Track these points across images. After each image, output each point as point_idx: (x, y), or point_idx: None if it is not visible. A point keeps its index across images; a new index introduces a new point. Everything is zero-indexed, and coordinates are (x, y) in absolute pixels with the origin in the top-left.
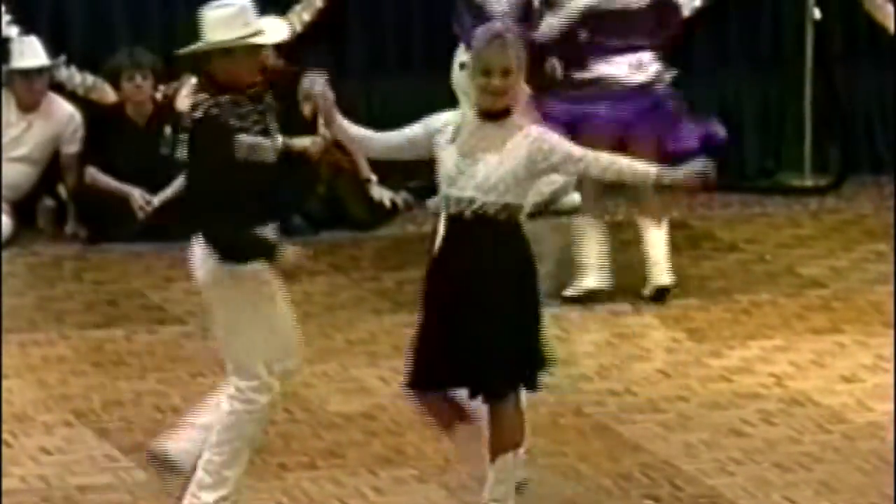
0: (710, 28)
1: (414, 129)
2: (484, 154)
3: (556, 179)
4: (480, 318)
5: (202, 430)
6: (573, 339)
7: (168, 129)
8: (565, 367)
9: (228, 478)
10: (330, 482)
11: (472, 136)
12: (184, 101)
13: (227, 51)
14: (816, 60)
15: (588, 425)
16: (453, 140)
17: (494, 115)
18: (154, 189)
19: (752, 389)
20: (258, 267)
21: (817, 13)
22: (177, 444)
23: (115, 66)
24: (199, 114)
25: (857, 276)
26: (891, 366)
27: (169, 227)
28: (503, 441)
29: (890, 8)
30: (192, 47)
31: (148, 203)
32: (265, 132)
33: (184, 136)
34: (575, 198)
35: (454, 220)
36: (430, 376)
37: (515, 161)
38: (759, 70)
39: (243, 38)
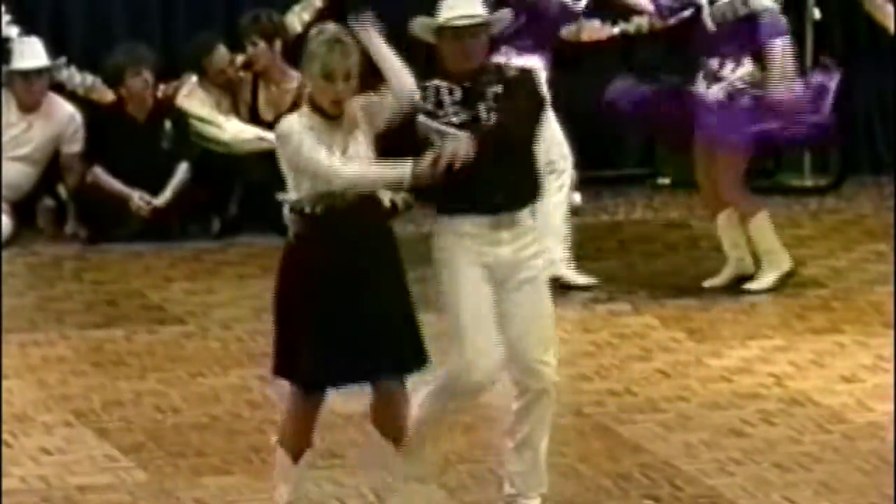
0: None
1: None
2: (354, 143)
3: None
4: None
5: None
6: (573, 339)
7: (168, 124)
8: (565, 367)
9: None
10: (329, 482)
11: (332, 136)
12: (184, 100)
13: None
14: (816, 61)
15: (588, 425)
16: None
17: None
18: (155, 183)
19: (752, 389)
20: None
21: (817, 13)
22: None
23: (118, 64)
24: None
25: (856, 277)
26: (891, 366)
27: (169, 227)
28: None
29: (890, 8)
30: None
31: (148, 203)
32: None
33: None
34: (575, 198)
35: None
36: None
37: (364, 135)
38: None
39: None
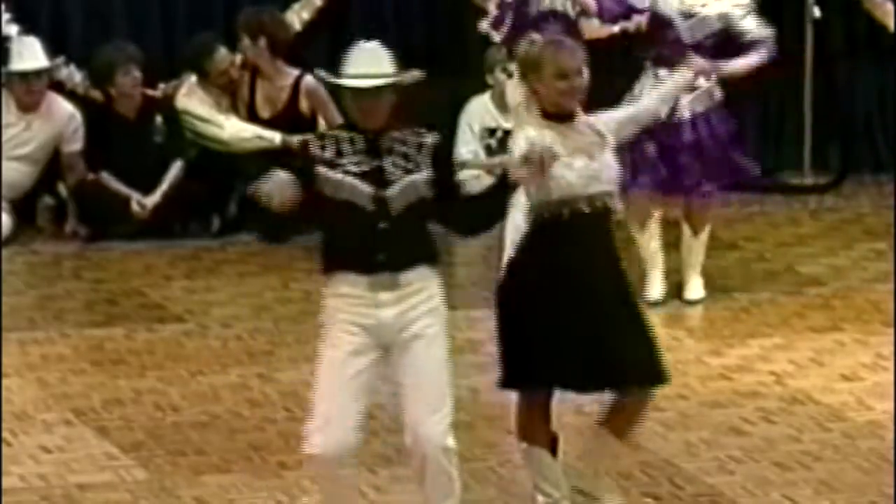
0: None
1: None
2: (599, 150)
3: None
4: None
5: None
6: None
7: (159, 119)
8: None
9: None
10: None
11: (565, 139)
12: (183, 99)
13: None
14: (816, 59)
15: (588, 425)
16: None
17: (567, 116)
18: (147, 181)
19: (752, 388)
20: None
21: (817, 12)
22: None
23: (107, 62)
24: None
25: (856, 275)
26: (890, 364)
27: (169, 226)
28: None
29: (889, 6)
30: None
31: (143, 207)
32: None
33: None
34: None
35: (575, 219)
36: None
37: (612, 148)
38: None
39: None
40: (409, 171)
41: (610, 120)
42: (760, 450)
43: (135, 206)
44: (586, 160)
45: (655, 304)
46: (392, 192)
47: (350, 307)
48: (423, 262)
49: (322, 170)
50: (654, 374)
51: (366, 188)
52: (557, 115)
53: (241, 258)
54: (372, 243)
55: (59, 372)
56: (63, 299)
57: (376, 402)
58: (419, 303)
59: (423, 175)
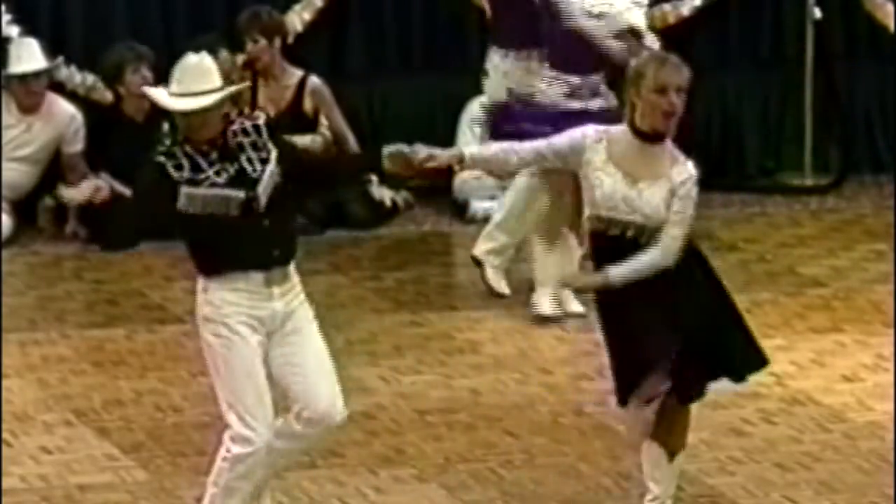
0: (710, 27)
1: (558, 145)
2: (645, 180)
3: None
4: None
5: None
6: (573, 339)
7: (166, 124)
8: (565, 367)
9: None
10: (330, 482)
11: (634, 159)
12: None
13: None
14: (817, 60)
15: (588, 425)
16: (609, 159)
17: (656, 137)
18: None
19: (753, 389)
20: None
21: (818, 13)
22: None
23: (118, 61)
24: None
25: (857, 276)
26: (891, 365)
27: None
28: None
29: (890, 7)
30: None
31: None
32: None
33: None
34: None
35: (612, 240)
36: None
37: (663, 194)
38: (760, 69)
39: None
40: (264, 161)
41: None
42: (761, 451)
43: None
44: (624, 187)
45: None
46: (261, 187)
47: (246, 301)
48: (294, 255)
49: (186, 189)
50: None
51: (236, 193)
52: (645, 135)
53: None
54: (262, 241)
55: (60, 373)
56: (63, 300)
57: (376, 403)
58: (297, 293)
59: (273, 159)
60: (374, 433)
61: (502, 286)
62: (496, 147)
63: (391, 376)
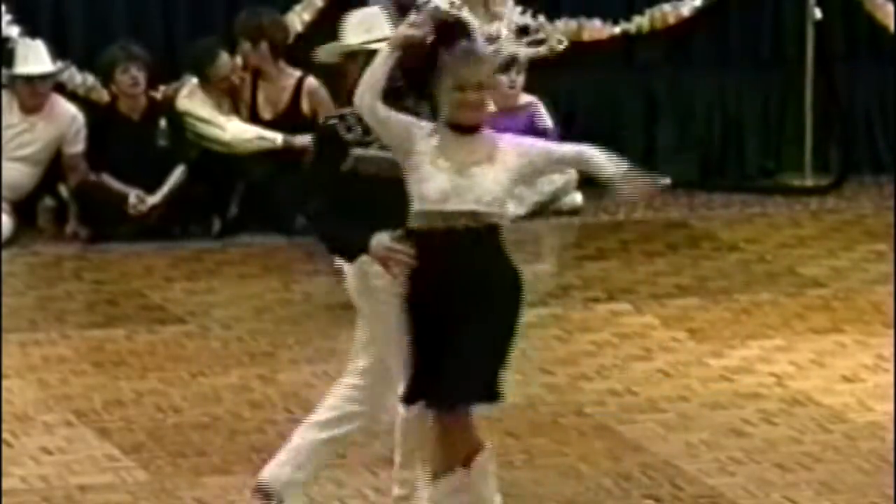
0: (710, 28)
1: (400, 120)
2: (475, 166)
3: (557, 179)
4: (468, 331)
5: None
6: (573, 339)
7: (163, 122)
8: (566, 367)
9: None
10: (330, 482)
11: (458, 149)
12: (184, 101)
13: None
14: (817, 61)
15: (589, 425)
16: (439, 152)
17: (471, 128)
18: (151, 183)
19: (753, 389)
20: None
21: (818, 13)
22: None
23: (109, 60)
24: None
25: (857, 276)
26: (891, 365)
27: (170, 228)
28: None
29: (890, 8)
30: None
31: (142, 201)
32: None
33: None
34: (576, 198)
35: (445, 235)
36: (421, 389)
37: (507, 173)
38: (760, 70)
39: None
40: None
41: (524, 146)
42: (761, 451)
43: (132, 199)
44: (456, 176)
45: None
46: None
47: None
48: None
49: (358, 151)
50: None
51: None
52: (459, 127)
53: (242, 259)
54: None
55: (60, 373)
56: (64, 300)
57: None
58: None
59: None
60: (374, 434)
61: None
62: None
63: None
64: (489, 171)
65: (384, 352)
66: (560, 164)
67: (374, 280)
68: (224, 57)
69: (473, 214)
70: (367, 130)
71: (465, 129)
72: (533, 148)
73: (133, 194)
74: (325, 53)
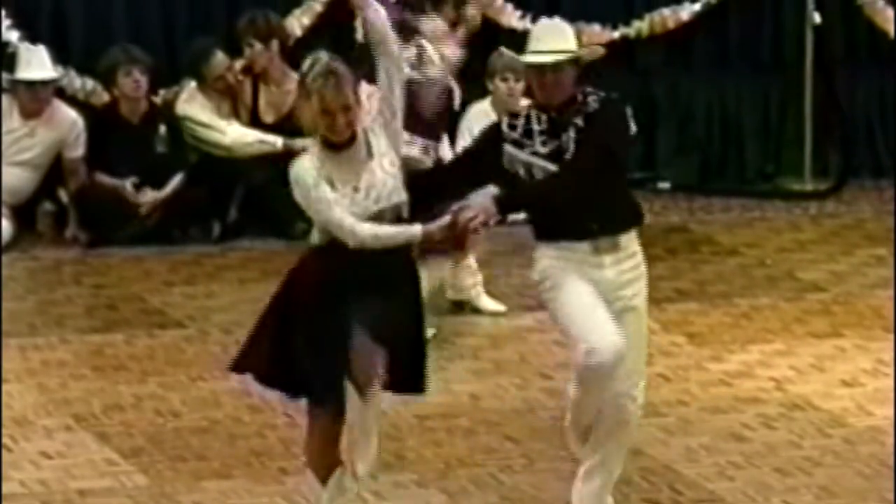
0: (710, 32)
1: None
2: (358, 176)
3: None
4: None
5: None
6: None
7: (163, 127)
8: (565, 371)
9: None
10: None
11: (338, 167)
12: (184, 105)
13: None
14: (817, 65)
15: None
16: (320, 179)
17: (342, 145)
18: (150, 187)
19: (753, 394)
20: None
21: (817, 17)
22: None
23: (111, 63)
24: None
25: (857, 281)
26: (891, 370)
27: (170, 232)
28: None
29: (890, 12)
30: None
31: (138, 188)
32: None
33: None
34: None
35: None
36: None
37: (385, 170)
38: (760, 74)
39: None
40: (579, 143)
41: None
42: (761, 455)
43: (128, 187)
44: (360, 191)
45: None
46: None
47: (573, 264)
48: (632, 225)
49: (510, 149)
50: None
51: (550, 167)
52: (335, 145)
53: (242, 263)
54: (578, 216)
55: (60, 377)
56: (63, 305)
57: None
58: (633, 267)
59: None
60: None
61: (493, 304)
62: None
63: None
64: (377, 170)
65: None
66: (387, 76)
67: None
68: (219, 55)
69: (381, 211)
70: (528, 134)
71: (339, 146)
72: (371, 99)
73: (128, 182)
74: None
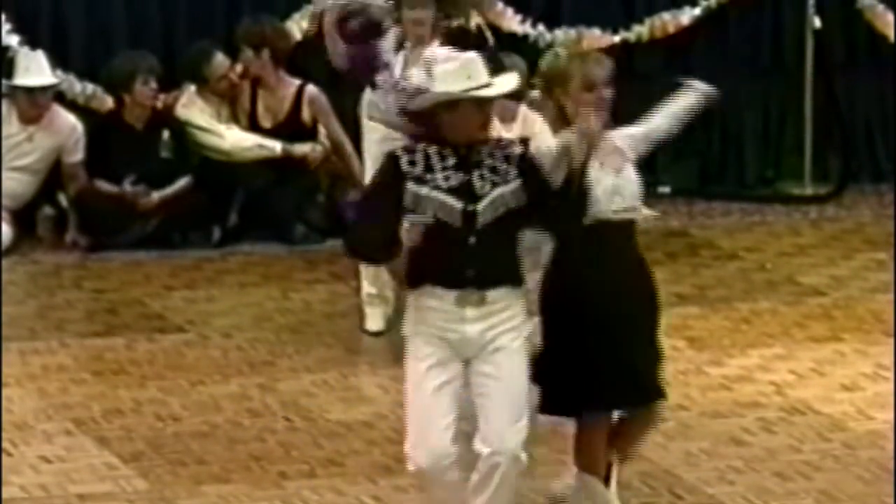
0: (710, 36)
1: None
2: (608, 167)
3: None
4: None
5: None
6: None
7: (166, 134)
8: None
9: None
10: (330, 491)
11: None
12: (183, 109)
13: (452, 104)
14: (817, 69)
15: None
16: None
17: None
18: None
19: (753, 398)
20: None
21: (817, 22)
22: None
23: (129, 69)
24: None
25: (857, 285)
26: (891, 374)
27: (170, 236)
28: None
29: (890, 17)
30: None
31: (134, 183)
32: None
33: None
34: None
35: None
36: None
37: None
38: (760, 78)
39: (468, 90)
40: (496, 185)
41: (627, 136)
42: (761, 460)
43: (127, 187)
44: (612, 176)
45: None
46: (482, 206)
47: (435, 320)
48: (509, 282)
49: (411, 186)
50: (655, 390)
51: (455, 203)
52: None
53: (242, 268)
54: (460, 259)
55: (60, 382)
56: (63, 309)
57: (376, 412)
58: (503, 321)
59: (511, 186)
60: (374, 442)
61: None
62: None
63: (391, 385)
64: (629, 168)
65: None
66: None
67: None
68: (219, 56)
69: (630, 210)
70: (429, 168)
71: None
72: (630, 132)
73: (127, 182)
74: (421, 101)
